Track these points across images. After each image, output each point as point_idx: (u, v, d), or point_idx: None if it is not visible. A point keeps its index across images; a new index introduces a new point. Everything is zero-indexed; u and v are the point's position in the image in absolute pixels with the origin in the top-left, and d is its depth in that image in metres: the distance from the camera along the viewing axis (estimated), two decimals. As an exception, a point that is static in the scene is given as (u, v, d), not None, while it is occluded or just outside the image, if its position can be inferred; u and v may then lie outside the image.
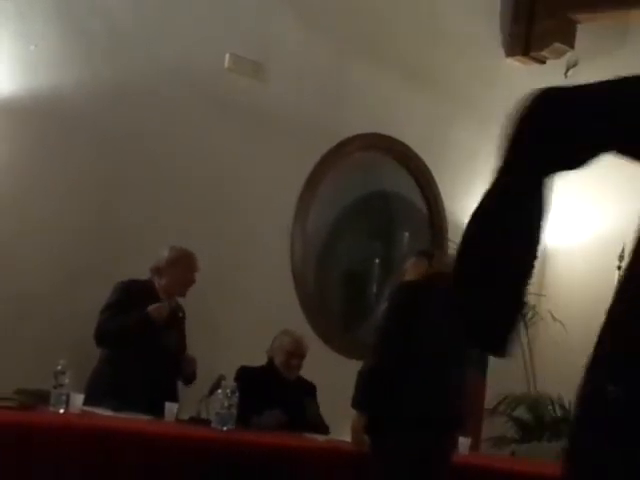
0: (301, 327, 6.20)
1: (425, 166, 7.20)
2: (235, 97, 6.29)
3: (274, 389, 5.39)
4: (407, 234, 7.25)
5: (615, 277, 6.80)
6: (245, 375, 5.32)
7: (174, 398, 5.13)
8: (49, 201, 5.63)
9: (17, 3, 5.48)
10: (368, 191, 7.21)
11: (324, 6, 6.68)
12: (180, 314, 5.48)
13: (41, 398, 4.33)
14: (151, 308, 5.12)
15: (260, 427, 5.05)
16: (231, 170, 6.31)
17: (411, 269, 5.02)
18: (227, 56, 6.16)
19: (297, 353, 5.57)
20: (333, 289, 7.33)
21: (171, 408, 4.89)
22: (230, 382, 5.05)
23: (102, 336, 5.15)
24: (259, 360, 5.52)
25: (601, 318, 5.44)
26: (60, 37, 5.65)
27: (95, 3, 5.84)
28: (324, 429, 5.36)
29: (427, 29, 7.16)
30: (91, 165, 5.69)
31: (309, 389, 5.64)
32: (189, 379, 5.46)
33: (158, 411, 4.83)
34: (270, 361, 5.54)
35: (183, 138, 6.10)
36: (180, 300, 5.49)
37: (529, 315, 7.15)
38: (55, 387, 4.33)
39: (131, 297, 5.22)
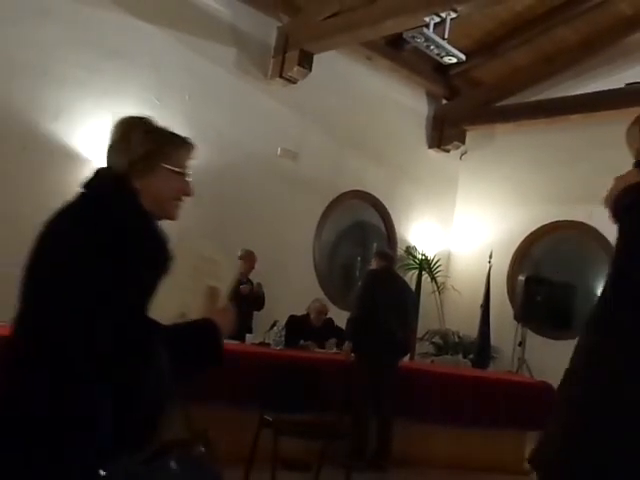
0: (319, 294, 6.41)
1: (384, 206, 7.44)
2: (282, 171, 6.55)
3: (307, 329, 5.52)
4: (375, 244, 7.35)
5: (486, 268, 7.07)
6: (292, 319, 5.50)
7: (250, 331, 5.37)
8: (184, 230, 5.90)
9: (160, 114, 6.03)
10: (354, 221, 7.40)
11: (331, 119, 6.91)
12: (256, 287, 5.62)
13: None
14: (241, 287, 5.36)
15: (300, 348, 5.18)
16: (280, 211, 6.50)
17: (375, 263, 5.06)
18: (279, 149, 6.54)
19: (322, 311, 5.68)
20: (336, 274, 7.28)
21: (249, 337, 5.19)
22: (281, 324, 5.27)
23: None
24: (299, 313, 5.62)
25: (479, 290, 6.67)
26: (189, 137, 6.19)
27: (208, 117, 5.98)
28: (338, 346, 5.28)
29: (386, 133, 7.35)
30: (210, 210, 5.71)
31: (330, 329, 5.60)
32: (259, 307, 5.67)
33: (242, 338, 5.05)
34: (307, 314, 5.63)
35: (254, 194, 6.30)
36: (254, 279, 5.64)
37: (441, 287, 7.61)
38: None
39: None
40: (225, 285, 1.48)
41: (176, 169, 1.50)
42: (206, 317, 1.44)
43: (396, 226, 7.62)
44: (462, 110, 7.77)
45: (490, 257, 7.13)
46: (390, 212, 7.55)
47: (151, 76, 5.73)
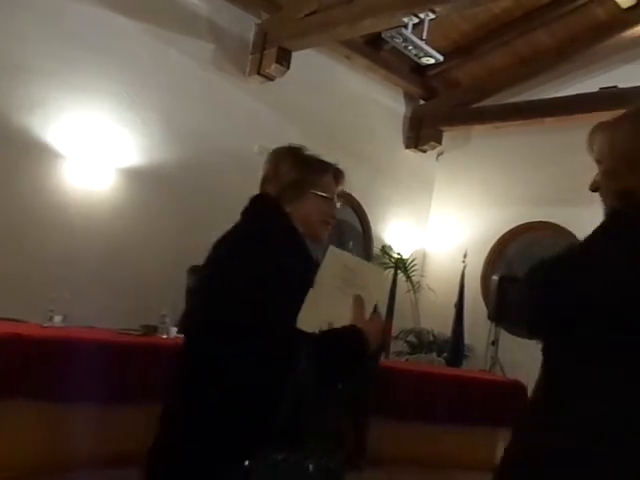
0: None
1: (360, 205, 7.44)
2: (260, 169, 6.45)
3: None
4: (351, 243, 7.34)
5: (461, 268, 7.10)
6: None
7: None
8: (160, 226, 5.73)
9: (142, 117, 5.69)
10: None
11: (309, 118, 6.86)
12: None
13: (153, 329, 4.48)
14: None
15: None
16: None
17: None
18: (256, 146, 6.21)
19: None
20: None
21: None
22: None
23: None
24: None
25: (454, 290, 6.80)
26: (166, 134, 5.86)
27: (184, 113, 5.95)
28: None
29: (364, 132, 7.37)
30: (184, 206, 5.86)
31: None
32: None
33: None
34: None
35: (231, 192, 5.55)
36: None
37: (416, 286, 7.64)
38: (162, 323, 4.55)
39: None
40: (371, 295, 1.49)
41: (323, 194, 1.66)
42: (352, 324, 1.44)
43: (372, 225, 7.63)
44: (439, 111, 7.80)
45: (464, 257, 7.18)
46: (366, 211, 7.57)
47: (127, 71, 5.66)
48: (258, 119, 6.55)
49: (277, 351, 1.38)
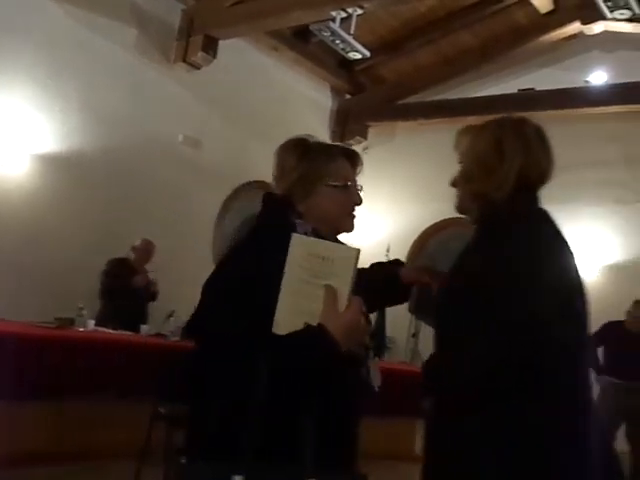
0: None
1: None
2: (184, 158, 6.38)
3: None
4: None
5: (384, 259, 7.62)
6: None
7: (145, 322, 5.25)
8: (77, 214, 5.63)
9: (57, 100, 5.49)
10: (256, 211, 7.06)
11: (236, 108, 6.81)
12: (151, 277, 5.47)
13: (69, 322, 4.43)
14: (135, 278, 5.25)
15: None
16: (180, 199, 6.28)
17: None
18: (181, 135, 6.41)
19: None
20: None
21: (144, 328, 5.05)
22: (179, 315, 5.01)
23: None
24: (193, 304, 5.52)
25: None
26: (86, 120, 5.70)
27: (105, 99, 5.80)
28: None
29: (290, 124, 6.72)
30: (103, 194, 5.76)
31: None
32: (153, 298, 5.50)
33: (136, 329, 4.95)
34: None
35: (154, 181, 6.09)
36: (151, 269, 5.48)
37: None
38: (79, 316, 4.54)
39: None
40: (345, 281, 1.25)
41: (338, 183, 1.47)
42: (320, 323, 1.25)
43: (298, 219, 7.64)
44: (365, 106, 7.87)
45: (387, 251, 7.16)
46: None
47: (45, 54, 5.44)
48: (183, 108, 6.46)
49: (233, 358, 1.28)
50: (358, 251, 1.23)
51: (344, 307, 1.25)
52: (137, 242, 5.48)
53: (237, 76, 6.84)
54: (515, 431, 1.28)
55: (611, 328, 4.99)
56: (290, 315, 1.26)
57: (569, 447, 1.29)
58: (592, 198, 6.81)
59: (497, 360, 1.27)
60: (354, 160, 1.53)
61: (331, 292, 1.24)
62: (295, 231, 1.37)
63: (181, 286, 5.68)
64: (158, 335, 4.97)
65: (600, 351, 5.05)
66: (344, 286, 1.25)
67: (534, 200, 1.48)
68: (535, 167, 1.46)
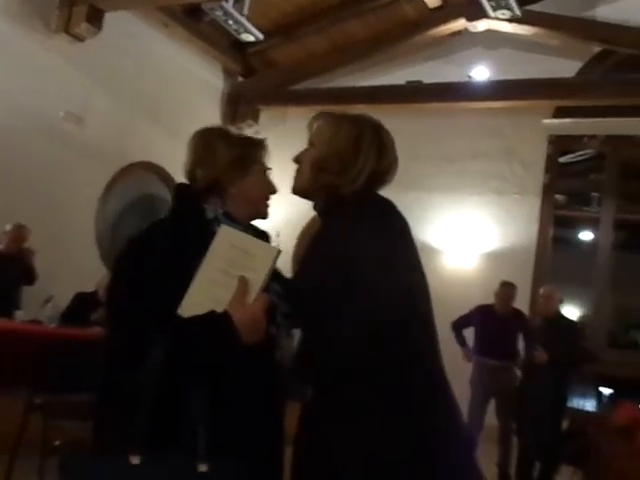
0: (101, 269, 5.75)
1: (174, 180, 6.58)
2: (65, 136, 6.14)
3: (96, 305, 4.95)
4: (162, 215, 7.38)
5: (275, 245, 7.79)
6: (80, 296, 5.11)
7: (18, 307, 5.11)
8: None
9: None
10: (142, 194, 7.12)
11: (122, 84, 6.61)
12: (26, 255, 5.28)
13: None
14: None
15: (93, 324, 4.76)
16: (60, 179, 6.06)
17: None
18: (62, 112, 6.13)
19: None
20: (118, 245, 7.08)
21: (19, 314, 4.91)
22: (57, 300, 4.95)
23: None
24: (73, 288, 5.17)
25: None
26: None
27: None
28: None
29: (179, 104, 7.11)
30: None
31: None
32: (30, 280, 5.33)
33: (9, 315, 4.77)
34: (96, 291, 5.02)
35: (32, 160, 5.83)
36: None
37: None
38: None
39: None
40: (260, 276, 1.30)
41: (264, 168, 1.59)
42: (225, 310, 1.28)
43: (185, 201, 7.53)
44: (257, 89, 7.85)
45: (277, 236, 7.19)
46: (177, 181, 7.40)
47: None
48: (65, 81, 6.16)
49: (130, 344, 1.30)
50: (279, 251, 1.31)
51: (252, 298, 1.30)
52: (8, 227, 5.25)
53: (124, 51, 6.61)
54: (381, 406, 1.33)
55: (481, 311, 5.29)
56: (199, 299, 1.30)
57: (434, 427, 1.35)
58: (474, 188, 7.10)
59: (360, 338, 1.31)
60: (267, 152, 1.65)
61: (244, 283, 1.29)
62: (204, 216, 1.45)
63: (60, 268, 5.78)
64: (34, 322, 4.78)
65: (472, 332, 5.34)
66: (257, 281, 1.30)
67: (379, 195, 1.53)
68: (385, 168, 1.54)
